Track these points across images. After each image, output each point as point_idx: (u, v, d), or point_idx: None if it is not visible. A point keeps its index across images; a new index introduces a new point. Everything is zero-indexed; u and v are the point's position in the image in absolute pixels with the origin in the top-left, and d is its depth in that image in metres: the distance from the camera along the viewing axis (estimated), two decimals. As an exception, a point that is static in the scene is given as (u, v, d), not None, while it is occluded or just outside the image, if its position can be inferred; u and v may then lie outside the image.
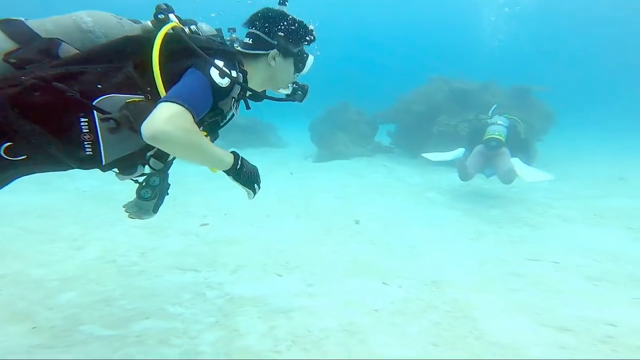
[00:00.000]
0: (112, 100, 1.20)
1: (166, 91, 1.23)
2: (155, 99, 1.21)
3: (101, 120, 1.18)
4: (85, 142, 1.20)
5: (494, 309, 2.40)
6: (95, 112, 1.18)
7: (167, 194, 1.63)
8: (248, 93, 1.55)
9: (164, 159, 1.49)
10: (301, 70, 1.66)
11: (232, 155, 1.38)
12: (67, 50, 1.25)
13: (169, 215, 4.17)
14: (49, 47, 1.22)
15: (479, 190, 5.65)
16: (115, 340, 2.03)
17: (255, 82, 1.54)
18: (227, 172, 1.38)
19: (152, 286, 2.64)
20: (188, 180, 5.71)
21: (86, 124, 1.18)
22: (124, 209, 1.58)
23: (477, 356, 1.95)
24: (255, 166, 1.50)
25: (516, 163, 4.77)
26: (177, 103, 1.12)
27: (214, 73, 1.27)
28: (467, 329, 2.19)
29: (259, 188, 1.52)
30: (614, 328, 2.17)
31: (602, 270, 3.00)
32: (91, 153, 1.21)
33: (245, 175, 1.41)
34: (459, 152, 5.40)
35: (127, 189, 1.59)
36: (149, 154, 1.42)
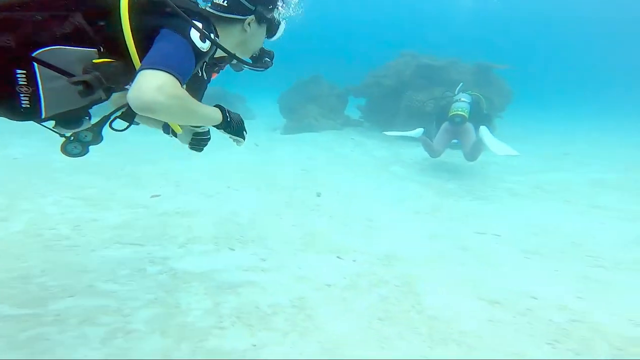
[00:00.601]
0: (60, 53, 1.13)
1: (137, 50, 1.17)
2: (118, 57, 1.17)
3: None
4: (22, 95, 1.13)
5: (438, 283, 2.49)
6: (35, 64, 1.11)
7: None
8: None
9: (130, 119, 1.42)
10: (272, 37, 1.63)
11: (218, 110, 1.39)
12: None
13: (115, 186, 3.97)
14: None
15: (439, 164, 5.77)
16: (27, 319, 1.87)
17: (226, 48, 1.45)
18: (218, 126, 1.41)
19: (83, 262, 2.48)
20: (141, 150, 5.46)
21: (23, 76, 1.11)
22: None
23: (415, 329, 2.02)
24: (238, 114, 1.52)
25: (484, 132, 4.90)
26: (163, 71, 1.08)
27: (194, 36, 1.21)
28: (411, 303, 2.26)
29: (247, 133, 1.56)
30: (535, 300, 2.30)
31: (535, 243, 3.16)
32: (28, 106, 1.15)
33: (234, 125, 1.45)
34: (419, 131, 5.53)
35: (65, 158, 1.47)
36: (114, 115, 1.38)
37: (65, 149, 1.40)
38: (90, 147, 1.45)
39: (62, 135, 1.40)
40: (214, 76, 1.90)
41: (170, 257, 2.61)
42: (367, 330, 2.02)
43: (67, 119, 1.32)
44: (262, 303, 2.17)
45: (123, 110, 1.38)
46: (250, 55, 1.64)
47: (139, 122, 1.64)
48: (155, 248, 2.72)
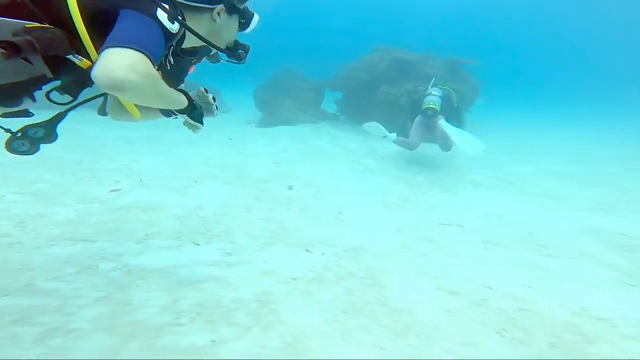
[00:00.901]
0: None
1: (89, 30, 1.10)
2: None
3: None
4: None
5: (402, 275, 2.52)
6: None
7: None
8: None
9: (74, 92, 1.30)
10: (245, 29, 1.60)
11: (183, 94, 1.38)
12: None
13: (69, 180, 3.77)
14: None
15: (411, 158, 5.85)
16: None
17: (194, 39, 1.41)
18: (182, 111, 1.41)
19: (23, 260, 2.32)
20: (102, 144, 5.25)
21: None
22: None
23: (378, 321, 2.05)
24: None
25: (443, 125, 5.01)
26: (132, 48, 1.02)
27: (162, 16, 1.15)
28: (375, 295, 2.28)
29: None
30: (490, 290, 2.37)
31: (494, 234, 3.26)
32: None
33: (198, 110, 1.47)
34: (393, 136, 5.60)
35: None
36: (45, 87, 1.25)
37: (10, 146, 1.29)
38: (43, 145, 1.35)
39: (7, 130, 1.29)
40: (192, 70, 1.87)
41: (126, 253, 2.51)
42: (331, 323, 2.02)
43: (2, 97, 1.21)
44: (225, 298, 2.13)
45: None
46: (222, 48, 1.60)
47: (107, 113, 1.58)
48: (109, 244, 2.61)
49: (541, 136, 8.59)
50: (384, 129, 5.49)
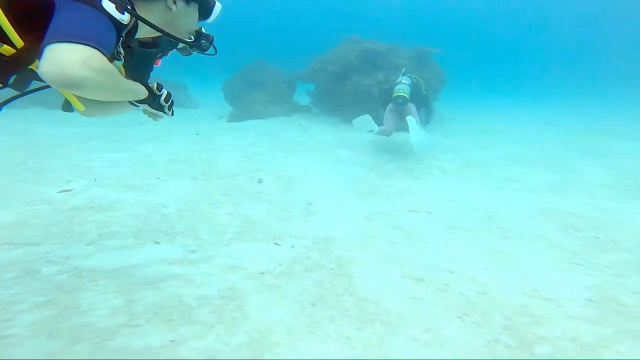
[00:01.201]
0: None
1: (8, 16, 1.05)
2: None
3: None
4: None
5: (370, 264, 2.52)
6: None
7: None
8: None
9: (19, 86, 1.27)
10: (206, 18, 1.54)
11: (140, 84, 1.35)
12: None
13: (12, 181, 3.55)
14: None
15: (382, 146, 5.87)
16: None
17: (148, 28, 1.35)
18: (143, 101, 1.39)
19: None
20: (51, 143, 4.97)
21: None
22: None
23: (346, 312, 2.03)
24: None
25: (409, 122, 5.06)
26: (83, 43, 0.98)
27: (109, 6, 1.10)
28: (344, 286, 2.27)
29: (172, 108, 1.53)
30: (452, 275, 2.40)
31: (458, 218, 3.31)
32: None
33: (165, 99, 1.44)
34: (376, 128, 5.64)
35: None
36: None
37: None
38: None
39: None
40: (158, 64, 1.84)
41: (75, 255, 2.37)
42: (298, 317, 2.00)
43: None
44: (187, 296, 2.05)
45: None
46: (182, 38, 1.52)
47: (72, 109, 1.49)
48: (56, 247, 2.46)
49: (505, 122, 8.83)
50: (373, 123, 5.51)
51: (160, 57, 2.06)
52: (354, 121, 5.81)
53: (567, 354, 1.73)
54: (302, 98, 9.43)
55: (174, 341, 1.71)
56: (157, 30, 1.31)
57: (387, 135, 5.47)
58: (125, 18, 1.15)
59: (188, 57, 1.91)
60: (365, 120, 5.57)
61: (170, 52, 2.11)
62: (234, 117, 8.06)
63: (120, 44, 1.30)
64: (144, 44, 1.56)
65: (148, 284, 2.12)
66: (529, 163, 5.26)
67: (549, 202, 3.73)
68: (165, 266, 2.33)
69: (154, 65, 1.85)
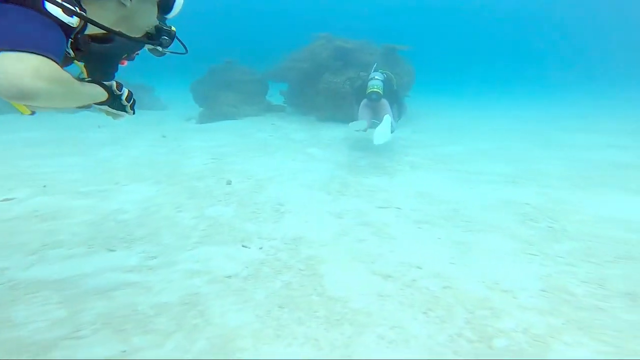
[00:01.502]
0: None
1: None
2: None
3: None
4: None
5: (340, 262, 2.45)
6: None
7: None
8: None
9: None
10: (167, 14, 1.47)
11: (100, 85, 1.31)
12: None
13: None
14: None
15: (355, 143, 5.86)
16: None
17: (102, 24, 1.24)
18: (103, 103, 1.35)
19: None
20: None
21: None
22: None
23: (314, 313, 1.95)
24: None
25: (385, 120, 5.06)
26: (32, 52, 0.91)
27: (54, 10, 1.02)
28: (313, 286, 2.20)
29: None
30: (419, 270, 2.37)
31: (426, 213, 3.29)
32: None
33: (126, 98, 1.40)
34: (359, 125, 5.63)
35: None
36: None
37: None
38: None
39: None
40: (124, 64, 1.78)
41: (12, 267, 2.19)
42: (264, 320, 1.93)
43: None
44: (142, 305, 1.93)
45: None
46: (140, 34, 1.45)
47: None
48: None
49: (474, 118, 9.03)
50: (366, 124, 5.47)
51: (127, 58, 1.95)
52: (350, 125, 5.79)
53: (520, 346, 1.73)
54: (275, 97, 9.32)
55: (125, 351, 1.59)
56: (107, 31, 1.22)
57: (364, 130, 5.45)
58: (73, 21, 1.07)
59: (157, 57, 1.84)
60: (360, 124, 5.55)
61: (136, 54, 2.02)
62: (204, 118, 7.87)
63: (69, 46, 1.21)
64: (95, 38, 1.45)
65: (98, 293, 1.97)
66: (493, 156, 5.35)
67: (509, 193, 3.78)
68: (119, 274, 2.18)
69: (120, 65, 1.79)
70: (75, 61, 1.63)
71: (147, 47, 1.91)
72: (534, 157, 5.36)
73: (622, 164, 4.90)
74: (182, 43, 1.72)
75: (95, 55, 1.47)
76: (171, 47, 1.62)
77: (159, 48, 1.60)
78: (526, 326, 1.86)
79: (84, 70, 1.49)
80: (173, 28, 1.82)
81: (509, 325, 1.87)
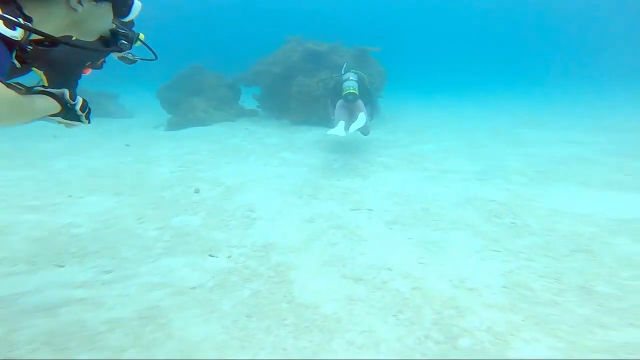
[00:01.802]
0: None
1: None
2: None
3: None
4: None
5: (310, 268, 2.36)
6: None
7: None
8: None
9: None
10: (124, 17, 1.42)
11: (52, 97, 1.28)
12: None
13: None
14: None
15: (329, 146, 5.80)
16: None
17: (52, 27, 1.22)
18: (57, 114, 1.31)
19: None
20: None
21: None
22: None
23: (282, 321, 1.85)
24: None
25: (360, 118, 5.02)
26: None
27: None
28: (283, 294, 2.11)
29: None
30: (389, 272, 2.31)
31: (397, 214, 3.24)
32: None
33: (81, 107, 1.36)
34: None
35: None
36: None
37: None
38: None
39: None
40: (87, 72, 1.73)
41: None
42: (230, 331, 1.83)
43: None
44: (92, 321, 1.78)
45: None
46: (95, 38, 1.39)
47: None
48: None
49: (444, 117, 9.14)
50: (343, 129, 5.39)
51: (92, 66, 1.83)
52: (329, 132, 5.71)
53: (483, 345, 1.70)
54: (248, 102, 9.15)
55: (66, 374, 1.43)
56: (54, 40, 1.13)
57: (342, 133, 5.36)
58: (17, 34, 1.01)
59: (127, 65, 1.83)
60: (338, 129, 5.48)
61: (102, 62, 1.92)
62: (173, 125, 7.62)
63: (14, 57, 1.13)
64: (41, 43, 1.34)
65: (39, 311, 1.81)
66: (461, 154, 5.40)
67: (475, 190, 3.79)
68: (67, 291, 2.01)
69: (82, 74, 1.72)
70: (35, 69, 1.52)
71: (116, 55, 1.82)
72: (497, 153, 5.42)
73: (582, 158, 5.02)
74: (150, 49, 1.66)
75: (56, 63, 1.43)
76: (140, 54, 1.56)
77: (130, 56, 1.57)
78: (489, 324, 1.83)
79: (44, 78, 1.45)
80: (142, 35, 1.74)
81: (474, 324, 1.84)
